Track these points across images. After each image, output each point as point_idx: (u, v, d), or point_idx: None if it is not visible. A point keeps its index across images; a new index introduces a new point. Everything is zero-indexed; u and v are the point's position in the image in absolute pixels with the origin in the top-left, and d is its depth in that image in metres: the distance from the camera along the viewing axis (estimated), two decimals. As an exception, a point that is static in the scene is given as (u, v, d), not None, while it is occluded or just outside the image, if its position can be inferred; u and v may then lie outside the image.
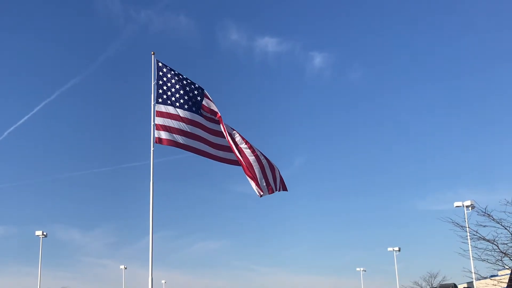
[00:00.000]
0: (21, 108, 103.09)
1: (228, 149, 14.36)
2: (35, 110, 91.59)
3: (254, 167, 13.93)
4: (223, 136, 14.30)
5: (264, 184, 14.13)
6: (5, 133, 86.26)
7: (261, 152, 14.20)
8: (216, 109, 14.21)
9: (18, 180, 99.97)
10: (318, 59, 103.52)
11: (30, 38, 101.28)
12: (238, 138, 14.00)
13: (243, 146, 13.96)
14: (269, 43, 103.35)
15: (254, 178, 13.97)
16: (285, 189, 14.81)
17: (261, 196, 14.07)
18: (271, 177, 14.33)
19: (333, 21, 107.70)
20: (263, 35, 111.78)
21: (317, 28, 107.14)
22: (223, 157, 14.53)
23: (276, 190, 14.46)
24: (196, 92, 14.25)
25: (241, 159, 13.86)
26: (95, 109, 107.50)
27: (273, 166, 14.39)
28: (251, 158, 13.92)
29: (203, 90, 14.30)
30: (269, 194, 14.27)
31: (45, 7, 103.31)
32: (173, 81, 14.23)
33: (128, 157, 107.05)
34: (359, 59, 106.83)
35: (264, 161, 14.16)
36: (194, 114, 14.18)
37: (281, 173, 14.68)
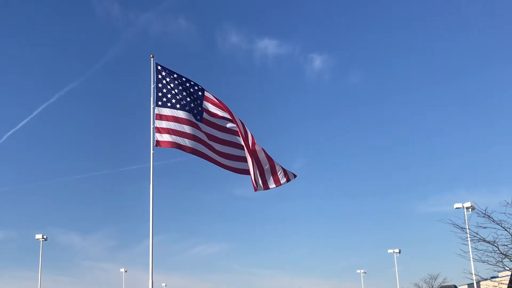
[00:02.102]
0: (20, 112, 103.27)
1: (230, 156, 14.40)
2: (35, 113, 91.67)
3: (263, 163, 14.01)
4: (225, 144, 14.31)
5: (272, 179, 14.20)
6: (5, 137, 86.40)
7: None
8: (220, 112, 14.15)
9: (17, 183, 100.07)
10: (317, 62, 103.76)
11: (29, 41, 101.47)
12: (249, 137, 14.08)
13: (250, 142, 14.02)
14: (268, 46, 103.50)
15: (262, 174, 14.01)
16: (295, 176, 14.79)
17: (267, 188, 14.15)
18: (281, 171, 14.35)
19: (333, 23, 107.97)
20: (262, 37, 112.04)
21: (317, 31, 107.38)
22: (222, 163, 14.47)
23: (286, 181, 14.47)
24: (196, 94, 14.23)
25: (251, 159, 13.90)
26: (95, 112, 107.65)
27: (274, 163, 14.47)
28: (261, 156, 13.99)
29: (204, 92, 14.23)
30: (275, 186, 14.28)
31: (44, 10, 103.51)
32: (172, 84, 14.21)
33: (128, 160, 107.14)
34: (359, 61, 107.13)
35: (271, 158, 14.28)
36: (193, 117, 14.17)
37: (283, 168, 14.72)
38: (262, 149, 14.13)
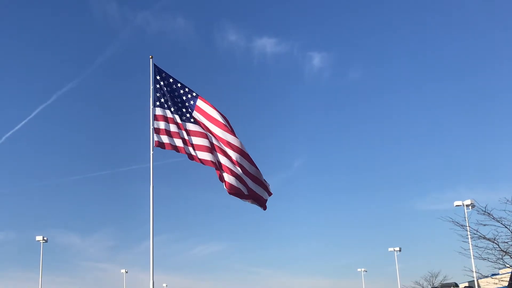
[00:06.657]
0: (18, 113, 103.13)
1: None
2: (33, 114, 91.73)
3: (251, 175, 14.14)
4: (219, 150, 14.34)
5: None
6: (3, 138, 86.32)
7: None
8: (209, 123, 14.06)
9: (16, 185, 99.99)
10: (316, 59, 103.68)
11: (26, 41, 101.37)
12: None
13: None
14: (267, 44, 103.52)
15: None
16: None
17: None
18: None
19: (331, 21, 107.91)
20: (261, 35, 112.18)
21: (315, 28, 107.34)
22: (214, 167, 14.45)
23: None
24: (191, 102, 14.16)
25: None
26: (93, 112, 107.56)
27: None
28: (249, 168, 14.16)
29: (196, 100, 14.10)
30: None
31: (41, 10, 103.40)
32: (169, 88, 14.24)
33: (127, 160, 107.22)
34: (358, 59, 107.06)
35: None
36: (187, 120, 14.12)
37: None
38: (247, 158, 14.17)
